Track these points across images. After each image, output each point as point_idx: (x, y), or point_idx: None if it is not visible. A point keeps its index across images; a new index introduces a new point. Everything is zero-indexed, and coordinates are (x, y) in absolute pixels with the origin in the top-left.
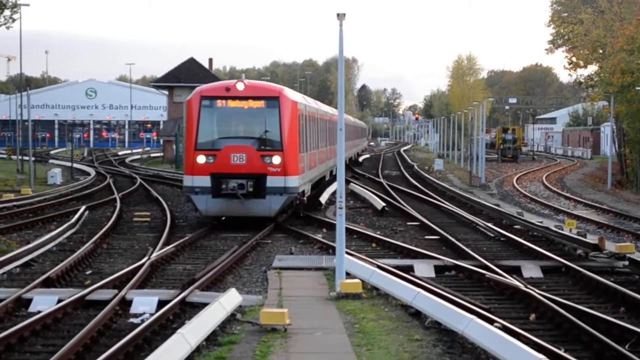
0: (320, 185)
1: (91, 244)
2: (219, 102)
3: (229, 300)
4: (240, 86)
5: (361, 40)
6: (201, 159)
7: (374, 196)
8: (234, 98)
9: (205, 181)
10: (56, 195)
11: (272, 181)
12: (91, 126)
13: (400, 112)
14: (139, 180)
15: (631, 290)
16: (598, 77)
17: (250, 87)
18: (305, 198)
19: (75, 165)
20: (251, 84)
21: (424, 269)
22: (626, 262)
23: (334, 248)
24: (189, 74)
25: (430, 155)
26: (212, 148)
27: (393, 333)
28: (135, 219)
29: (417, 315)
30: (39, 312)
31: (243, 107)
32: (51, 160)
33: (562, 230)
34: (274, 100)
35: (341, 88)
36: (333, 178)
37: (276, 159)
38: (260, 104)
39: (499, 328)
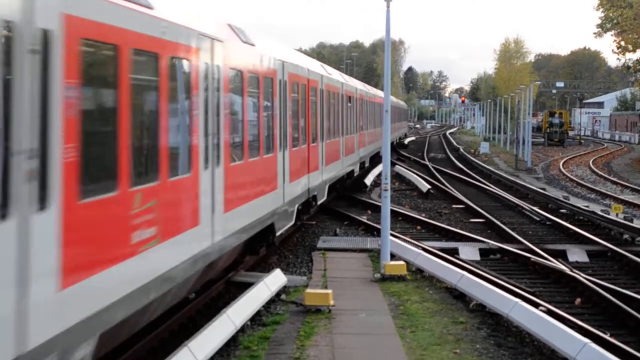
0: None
1: None
2: None
3: (273, 280)
4: None
5: (408, 22)
6: None
7: (419, 178)
8: None
9: None
10: None
11: None
12: None
13: (447, 94)
14: None
15: None
16: None
17: None
18: None
19: None
20: None
21: (468, 251)
22: None
23: (378, 230)
24: None
25: (476, 138)
26: None
27: (437, 315)
28: None
29: (462, 297)
30: None
31: None
32: None
33: (609, 214)
34: None
35: (388, 69)
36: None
37: None
38: None
39: (544, 312)
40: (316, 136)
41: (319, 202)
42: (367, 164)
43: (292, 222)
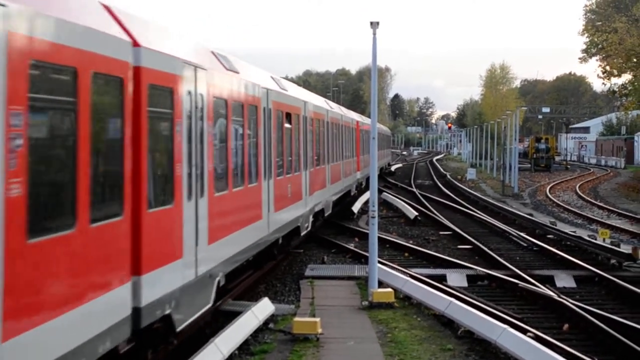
0: None
1: None
2: None
3: (261, 309)
4: None
5: (394, 50)
6: None
7: (406, 205)
8: None
9: None
10: None
11: None
12: None
13: (433, 121)
14: None
15: None
16: (632, 86)
17: None
18: None
19: None
20: None
21: (456, 278)
22: None
23: (366, 257)
24: None
25: (463, 164)
26: None
27: (425, 342)
28: None
29: (450, 324)
30: None
31: None
32: None
33: (596, 239)
34: None
35: (374, 96)
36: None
37: None
38: None
39: (532, 338)
40: (191, 188)
41: (179, 327)
42: (327, 212)
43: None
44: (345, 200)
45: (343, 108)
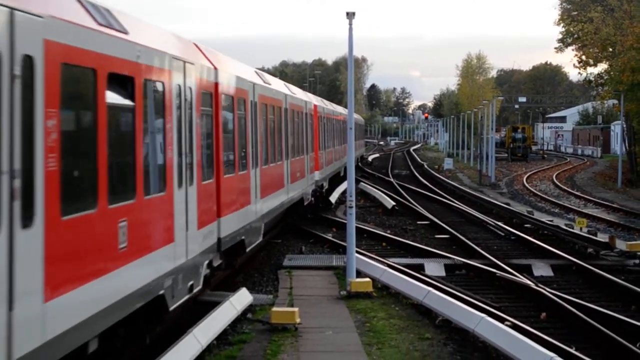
0: None
1: None
2: None
3: (239, 299)
4: None
5: (371, 40)
6: None
7: (383, 195)
8: None
9: None
10: None
11: None
12: None
13: (410, 111)
14: None
15: None
16: (608, 76)
17: None
18: None
19: None
20: None
21: (434, 267)
22: (637, 261)
23: (344, 247)
24: None
25: (440, 154)
26: None
27: (404, 332)
28: None
29: (428, 313)
30: None
31: None
32: None
33: (573, 228)
34: None
35: (351, 86)
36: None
37: None
38: None
39: (510, 326)
40: None
41: None
42: (252, 243)
43: None
44: (296, 211)
45: (292, 86)
